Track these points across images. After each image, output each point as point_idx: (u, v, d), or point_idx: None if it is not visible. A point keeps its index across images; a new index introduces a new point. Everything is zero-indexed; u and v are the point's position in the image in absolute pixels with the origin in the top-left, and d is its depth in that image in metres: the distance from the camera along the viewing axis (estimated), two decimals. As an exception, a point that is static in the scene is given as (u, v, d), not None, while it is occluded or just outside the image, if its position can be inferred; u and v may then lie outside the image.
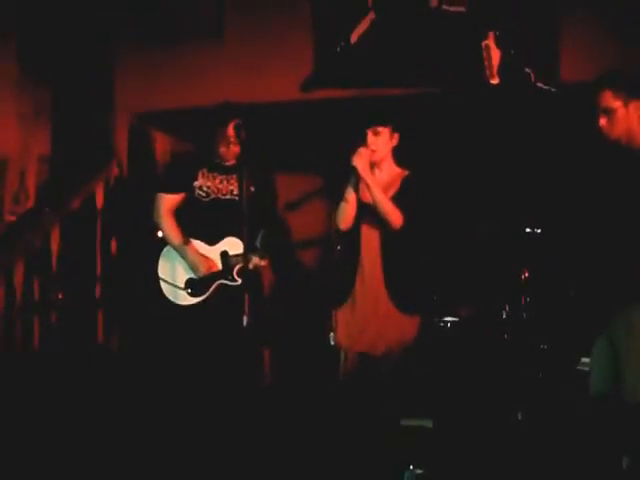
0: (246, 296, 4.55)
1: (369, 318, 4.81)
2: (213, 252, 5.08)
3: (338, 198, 4.85)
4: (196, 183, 5.11)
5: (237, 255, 4.99)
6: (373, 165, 4.84)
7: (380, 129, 4.82)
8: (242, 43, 6.34)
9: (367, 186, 4.75)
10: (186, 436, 4.92)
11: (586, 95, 4.28)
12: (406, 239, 4.80)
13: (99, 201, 6.34)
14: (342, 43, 5.99)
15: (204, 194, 5.11)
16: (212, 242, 5.09)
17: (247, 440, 4.73)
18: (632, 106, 4.16)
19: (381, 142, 4.84)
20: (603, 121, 4.18)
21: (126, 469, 4.77)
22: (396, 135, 4.87)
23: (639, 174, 4.10)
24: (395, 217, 4.74)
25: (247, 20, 6.35)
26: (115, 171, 6.56)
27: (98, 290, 6.27)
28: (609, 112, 4.15)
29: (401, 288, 4.84)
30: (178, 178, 5.20)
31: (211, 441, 4.84)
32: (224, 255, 5.06)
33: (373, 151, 4.80)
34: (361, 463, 4.56)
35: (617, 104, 4.14)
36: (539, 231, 5.31)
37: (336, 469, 4.60)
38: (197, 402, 4.96)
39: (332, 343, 4.77)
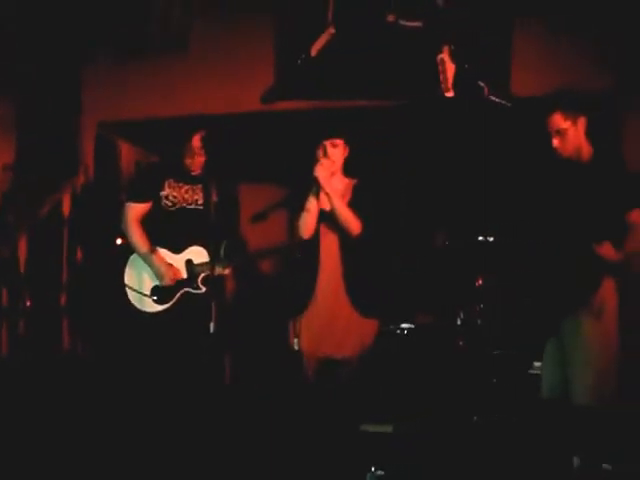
0: (213, 304, 4.68)
1: (330, 323, 4.94)
2: (178, 261, 5.15)
3: (299, 208, 4.99)
4: (163, 193, 5.16)
5: (201, 264, 5.10)
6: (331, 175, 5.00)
7: (337, 141, 4.99)
8: (207, 56, 6.41)
9: (328, 196, 4.90)
10: (149, 440, 4.94)
11: (536, 109, 4.46)
12: (364, 245, 4.95)
13: (66, 209, 6.37)
14: (302, 56, 6.12)
15: (170, 203, 5.16)
16: (177, 251, 5.16)
17: (208, 445, 4.78)
18: (580, 122, 4.34)
19: (338, 153, 5.00)
20: (556, 142, 4.34)
21: (93, 472, 4.78)
22: (347, 146, 5.03)
23: (587, 184, 4.29)
24: (354, 225, 4.90)
25: (212, 34, 6.42)
26: (81, 179, 6.60)
27: (64, 297, 6.29)
28: (561, 133, 4.32)
29: (361, 293, 4.98)
30: (145, 187, 5.25)
31: (173, 445, 4.85)
32: (189, 264, 5.15)
33: (333, 162, 4.97)
34: (324, 466, 4.64)
35: (567, 124, 4.31)
36: (491, 239, 5.45)
37: (300, 472, 4.66)
38: (161, 408, 5.01)
39: (296, 348, 4.87)
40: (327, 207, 4.96)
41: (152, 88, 6.51)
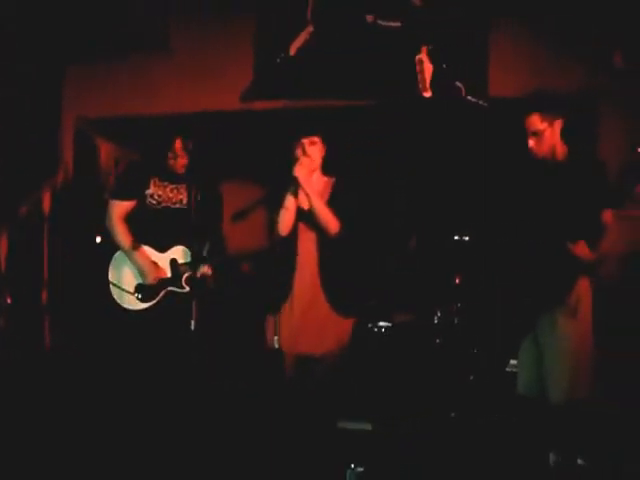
0: (194, 303, 4.73)
1: (307, 321, 4.94)
2: (163, 259, 5.19)
3: (278, 206, 4.99)
4: (148, 191, 5.19)
5: (185, 263, 5.15)
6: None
7: (316, 139, 5.00)
8: (189, 55, 6.42)
9: (307, 195, 4.92)
10: (132, 435, 4.98)
11: (513, 109, 4.52)
12: (341, 244, 4.98)
13: (46, 206, 6.39)
14: (281, 55, 6.17)
15: (155, 202, 5.19)
16: (162, 249, 5.20)
17: (189, 441, 4.83)
18: (556, 124, 4.40)
19: (317, 151, 5.02)
20: (532, 142, 4.39)
21: (75, 468, 4.79)
22: (325, 145, 5.06)
23: (562, 184, 4.36)
24: (333, 224, 4.92)
25: (193, 33, 6.43)
26: (61, 177, 6.60)
27: (45, 295, 6.31)
28: (538, 134, 4.38)
29: (338, 291, 4.99)
30: (130, 185, 5.26)
31: (154, 441, 4.89)
32: (173, 263, 5.19)
33: (312, 160, 4.99)
34: (305, 463, 4.69)
35: (544, 126, 4.37)
36: (467, 239, 5.51)
37: (280, 469, 4.70)
38: (143, 405, 5.04)
39: (276, 346, 4.86)
40: (306, 206, 4.98)
41: (134, 87, 6.51)
